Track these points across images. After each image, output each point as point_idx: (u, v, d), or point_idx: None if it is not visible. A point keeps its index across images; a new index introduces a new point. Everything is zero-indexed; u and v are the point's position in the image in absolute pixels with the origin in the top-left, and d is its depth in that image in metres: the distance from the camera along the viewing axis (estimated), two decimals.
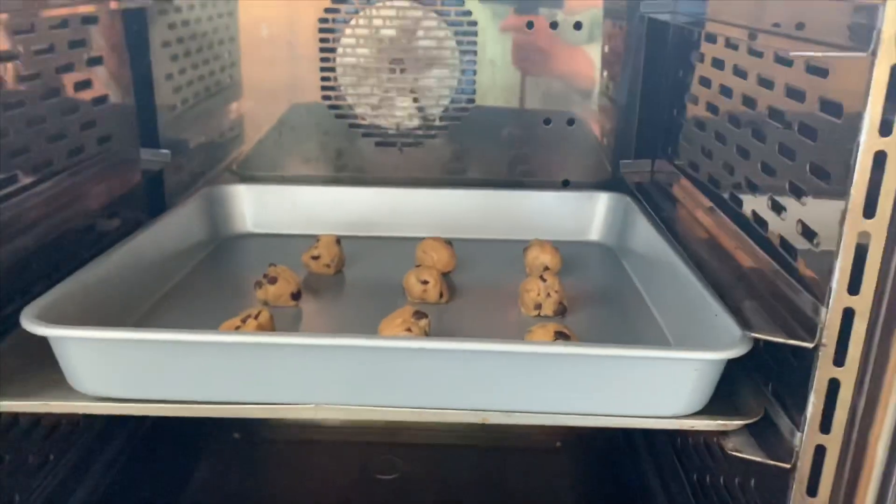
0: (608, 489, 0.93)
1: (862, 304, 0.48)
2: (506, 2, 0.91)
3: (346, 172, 0.98)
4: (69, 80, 0.76)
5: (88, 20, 0.80)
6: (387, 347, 0.54)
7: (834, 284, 0.48)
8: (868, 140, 0.45)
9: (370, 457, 0.97)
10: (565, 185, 0.97)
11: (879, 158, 0.45)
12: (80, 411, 0.56)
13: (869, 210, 0.46)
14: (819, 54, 0.50)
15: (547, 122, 0.96)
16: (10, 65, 0.67)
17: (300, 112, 0.97)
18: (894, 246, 0.46)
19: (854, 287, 0.48)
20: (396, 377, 0.55)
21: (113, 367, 0.55)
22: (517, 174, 0.98)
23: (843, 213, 0.47)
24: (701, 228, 0.74)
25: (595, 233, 0.92)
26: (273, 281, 0.72)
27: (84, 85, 0.79)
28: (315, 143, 0.97)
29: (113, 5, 0.84)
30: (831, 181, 0.49)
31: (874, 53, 0.44)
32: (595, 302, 0.77)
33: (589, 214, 0.92)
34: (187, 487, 0.93)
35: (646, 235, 0.80)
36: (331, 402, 0.56)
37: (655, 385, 0.54)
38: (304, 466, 0.98)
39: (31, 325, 0.54)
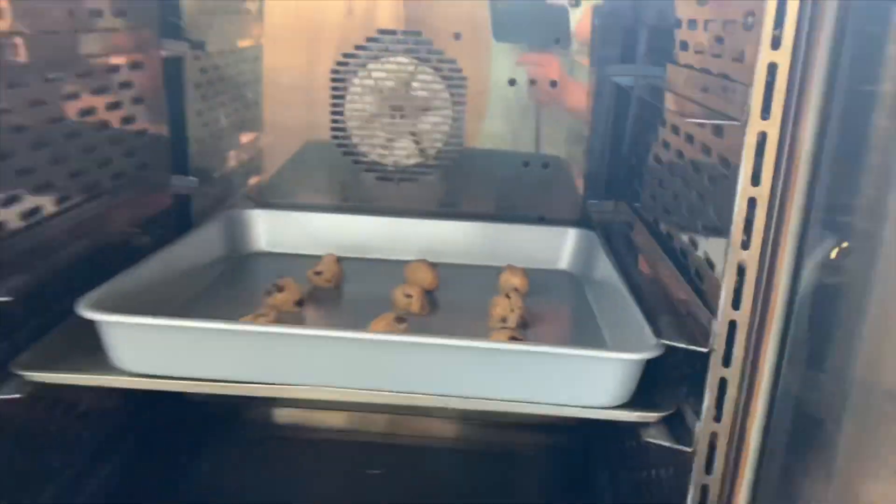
0: (572, 488, 1.05)
1: (742, 317, 0.60)
2: (493, 60, 1.05)
3: (350, 202, 1.12)
4: (117, 115, 0.90)
5: (136, 66, 0.94)
6: (367, 340, 0.67)
7: (721, 301, 0.61)
8: (743, 188, 0.58)
9: (362, 455, 1.09)
10: (541, 220, 1.10)
11: (752, 203, 0.58)
12: (120, 385, 0.69)
13: (745, 244, 0.59)
14: (707, 122, 0.63)
15: (525, 164, 1.09)
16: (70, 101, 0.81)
17: (312, 148, 1.10)
18: (763, 271, 0.59)
19: (736, 304, 0.60)
20: (376, 366, 0.68)
21: (148, 348, 0.68)
22: (499, 209, 1.10)
23: (727, 245, 0.60)
24: (645, 261, 0.87)
25: (564, 263, 1.05)
26: (280, 289, 0.85)
27: (128, 120, 0.93)
28: (324, 176, 1.11)
29: (154, 53, 0.99)
30: (723, 220, 0.62)
31: (745, 123, 0.57)
32: (553, 319, 0.89)
33: (559, 247, 1.05)
34: (187, 480, 1.03)
35: (603, 266, 0.93)
36: (324, 385, 0.69)
37: (584, 379, 0.66)
38: (299, 463, 1.09)
39: (87, 311, 0.67)
